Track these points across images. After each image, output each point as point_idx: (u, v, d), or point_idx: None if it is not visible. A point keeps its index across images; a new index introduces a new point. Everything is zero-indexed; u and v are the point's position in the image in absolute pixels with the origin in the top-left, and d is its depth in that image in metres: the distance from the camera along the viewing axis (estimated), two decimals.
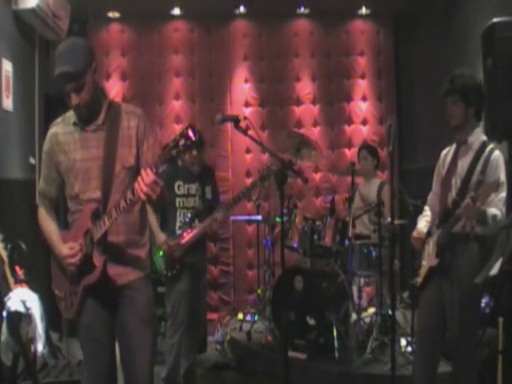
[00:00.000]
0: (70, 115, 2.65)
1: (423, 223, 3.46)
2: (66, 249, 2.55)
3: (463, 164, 3.20)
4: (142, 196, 2.32)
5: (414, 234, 3.41)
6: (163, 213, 4.14)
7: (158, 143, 2.75)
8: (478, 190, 2.92)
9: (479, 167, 3.10)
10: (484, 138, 3.22)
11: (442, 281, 3.17)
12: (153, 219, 3.92)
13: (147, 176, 2.30)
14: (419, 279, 3.29)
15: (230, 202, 4.19)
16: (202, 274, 4.35)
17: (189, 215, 4.16)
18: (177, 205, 4.19)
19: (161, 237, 4.07)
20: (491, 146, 3.16)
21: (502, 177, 3.07)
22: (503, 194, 3.06)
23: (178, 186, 4.21)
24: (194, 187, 4.24)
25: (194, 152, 4.12)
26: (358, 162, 5.50)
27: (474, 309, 3.18)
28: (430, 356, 3.26)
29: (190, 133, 2.25)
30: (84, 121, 2.61)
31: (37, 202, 2.84)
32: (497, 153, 3.11)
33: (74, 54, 2.48)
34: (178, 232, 4.14)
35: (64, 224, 2.78)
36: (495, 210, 3.01)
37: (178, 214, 4.18)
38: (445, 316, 3.16)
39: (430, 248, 3.25)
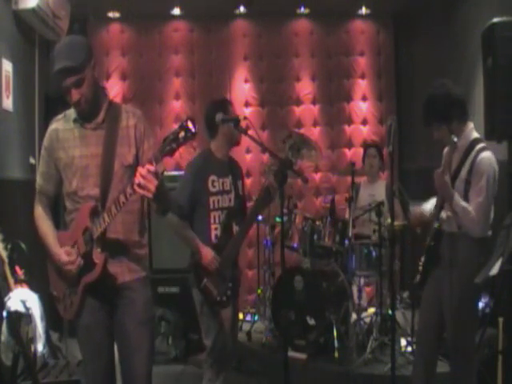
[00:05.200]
0: (71, 112, 2.65)
1: (429, 205, 3.42)
2: (64, 255, 2.54)
3: (454, 165, 3.21)
4: (138, 189, 2.28)
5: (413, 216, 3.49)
6: (190, 219, 3.40)
7: (158, 143, 2.73)
8: (466, 188, 3.01)
9: (466, 166, 3.11)
10: (473, 136, 3.19)
11: (439, 279, 3.17)
12: (190, 233, 3.37)
13: (143, 168, 2.28)
14: (419, 275, 3.30)
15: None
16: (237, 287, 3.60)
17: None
18: (211, 206, 3.40)
19: (207, 252, 3.30)
20: (480, 145, 3.13)
21: (483, 182, 3.05)
22: (480, 199, 3.04)
23: (213, 182, 3.41)
24: (228, 182, 3.47)
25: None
26: (364, 160, 5.45)
27: (470, 308, 3.18)
28: (430, 355, 3.27)
29: (190, 125, 2.22)
30: (84, 118, 2.60)
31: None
32: (483, 154, 3.08)
33: (73, 50, 2.49)
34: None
35: (64, 223, 2.77)
36: (469, 206, 3.04)
37: (211, 218, 3.40)
38: (444, 315, 3.17)
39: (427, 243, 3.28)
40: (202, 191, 3.39)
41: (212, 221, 3.40)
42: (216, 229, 3.40)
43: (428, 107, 3.20)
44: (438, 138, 3.24)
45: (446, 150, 3.40)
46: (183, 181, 3.47)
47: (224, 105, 3.56)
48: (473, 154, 3.10)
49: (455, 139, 3.05)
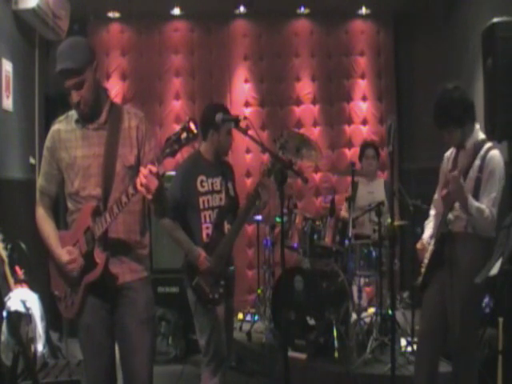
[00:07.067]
0: (73, 113, 2.66)
1: (428, 232, 3.40)
2: (66, 255, 2.55)
3: (462, 165, 3.20)
4: (140, 188, 2.31)
5: (419, 245, 3.38)
6: (184, 220, 3.43)
7: (159, 144, 2.74)
8: (476, 186, 2.98)
9: (476, 165, 3.10)
10: (481, 137, 3.20)
11: (443, 279, 3.17)
12: (181, 234, 3.40)
13: (145, 168, 2.30)
14: (420, 278, 3.29)
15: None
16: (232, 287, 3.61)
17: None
18: (200, 206, 3.43)
19: (197, 252, 3.33)
20: (489, 144, 3.14)
21: (496, 177, 3.06)
22: (494, 195, 3.05)
23: (201, 182, 3.44)
24: (218, 182, 3.49)
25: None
26: (363, 160, 5.43)
27: (474, 309, 3.18)
28: (432, 356, 3.26)
29: (192, 126, 2.24)
30: (85, 119, 2.62)
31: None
32: (493, 152, 3.10)
33: (74, 52, 2.51)
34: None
35: (63, 224, 2.78)
36: (483, 205, 3.03)
37: (202, 218, 3.42)
38: (446, 315, 3.16)
39: (431, 246, 3.26)
40: (191, 192, 3.42)
41: (203, 220, 3.42)
42: (208, 228, 3.42)
43: (444, 111, 3.14)
44: (449, 141, 3.22)
45: (448, 151, 3.40)
46: (172, 182, 3.50)
47: (224, 108, 3.56)
48: (482, 152, 3.10)
49: None
